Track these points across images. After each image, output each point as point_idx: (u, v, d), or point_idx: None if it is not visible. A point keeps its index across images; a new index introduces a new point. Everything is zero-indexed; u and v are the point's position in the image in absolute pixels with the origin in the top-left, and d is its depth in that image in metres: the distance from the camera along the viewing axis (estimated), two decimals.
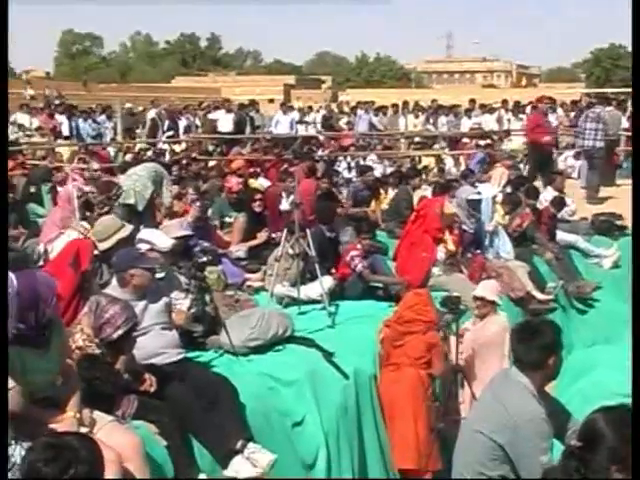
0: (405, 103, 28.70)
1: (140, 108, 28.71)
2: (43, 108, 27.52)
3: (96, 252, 7.42)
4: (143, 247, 7.01)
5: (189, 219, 9.69)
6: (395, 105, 28.13)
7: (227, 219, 11.17)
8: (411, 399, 7.77)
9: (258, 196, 11.05)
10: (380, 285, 9.51)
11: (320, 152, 20.35)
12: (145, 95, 38.33)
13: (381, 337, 8.22)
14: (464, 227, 10.84)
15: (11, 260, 5.64)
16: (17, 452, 4.62)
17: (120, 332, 5.62)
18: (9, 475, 4.56)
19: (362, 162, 19.02)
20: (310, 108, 31.26)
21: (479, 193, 11.48)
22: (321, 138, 23.78)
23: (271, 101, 33.89)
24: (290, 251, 8.95)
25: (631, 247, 8.02)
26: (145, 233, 7.38)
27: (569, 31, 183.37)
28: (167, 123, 24.35)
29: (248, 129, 24.93)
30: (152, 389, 5.85)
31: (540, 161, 16.98)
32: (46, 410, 4.96)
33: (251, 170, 14.63)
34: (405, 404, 7.76)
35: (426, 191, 13.70)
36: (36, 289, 4.88)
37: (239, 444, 5.91)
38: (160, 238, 7.21)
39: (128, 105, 26.20)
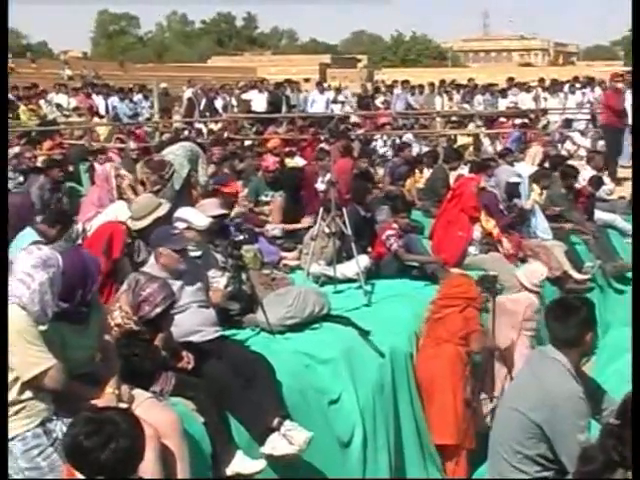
0: (442, 82, 28.55)
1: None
2: (80, 88, 27.69)
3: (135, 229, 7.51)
4: (180, 225, 7.03)
5: None
6: (432, 84, 27.99)
7: (263, 198, 11.21)
8: (450, 375, 7.78)
9: (294, 174, 11.05)
10: (416, 264, 9.49)
11: (356, 131, 20.29)
12: (181, 75, 38.49)
13: (427, 315, 8.25)
14: (501, 207, 10.80)
15: None
16: (58, 427, 4.70)
17: (158, 310, 5.68)
18: (51, 450, 4.64)
19: (398, 141, 18.97)
20: (339, 90, 31.16)
21: (519, 175, 11.44)
22: (356, 118, 23.70)
23: (307, 80, 33.83)
24: (326, 230, 8.96)
25: (632, 247, 7.98)
26: (182, 212, 7.40)
27: (607, 8, 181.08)
28: (203, 102, 24.43)
29: (284, 108, 24.93)
30: (190, 366, 5.90)
31: (612, 140, 16.76)
32: (85, 386, 5.02)
33: (287, 149, 14.61)
34: (444, 380, 7.77)
35: (462, 170, 13.64)
36: (85, 266, 4.99)
37: (276, 421, 5.94)
38: (197, 216, 7.23)
39: (163, 85, 26.25)
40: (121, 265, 7.14)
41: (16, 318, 4.62)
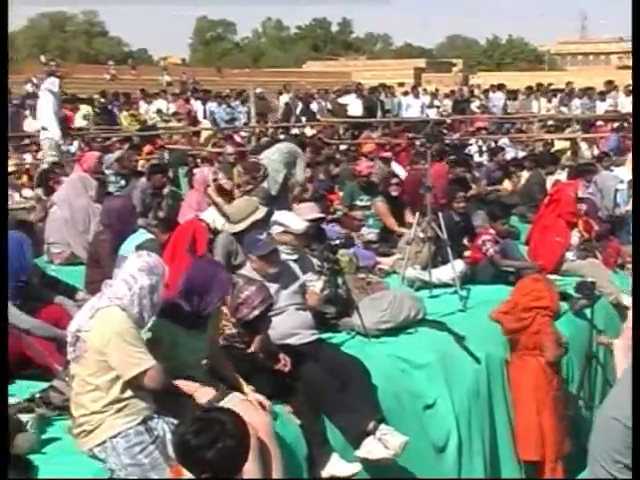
0: (539, 85, 28.18)
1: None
2: (179, 94, 28.19)
3: (232, 232, 7.63)
4: (277, 229, 7.11)
5: None
6: (529, 88, 27.66)
7: (358, 202, 11.26)
8: (533, 389, 7.66)
9: (395, 180, 11.05)
10: (512, 270, 9.40)
11: (451, 136, 20.19)
12: (277, 80, 38.79)
13: (502, 325, 8.12)
14: (599, 213, 10.64)
15: None
16: (160, 426, 4.82)
17: (256, 312, 5.75)
18: (152, 448, 4.75)
19: (494, 145, 18.81)
20: (445, 95, 31.04)
21: (622, 182, 11.25)
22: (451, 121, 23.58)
23: (401, 85, 33.74)
24: (421, 235, 8.95)
25: (632, 247, 7.76)
26: (279, 215, 7.47)
27: None
28: (300, 107, 24.61)
29: (379, 113, 24.94)
30: (286, 369, 5.96)
31: None
32: (188, 386, 5.14)
33: (383, 154, 14.60)
34: (527, 395, 7.67)
35: (560, 175, 13.45)
36: (213, 280, 5.23)
37: (371, 425, 5.95)
38: (294, 220, 7.28)
39: (259, 90, 26.55)
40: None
41: (117, 319, 4.76)
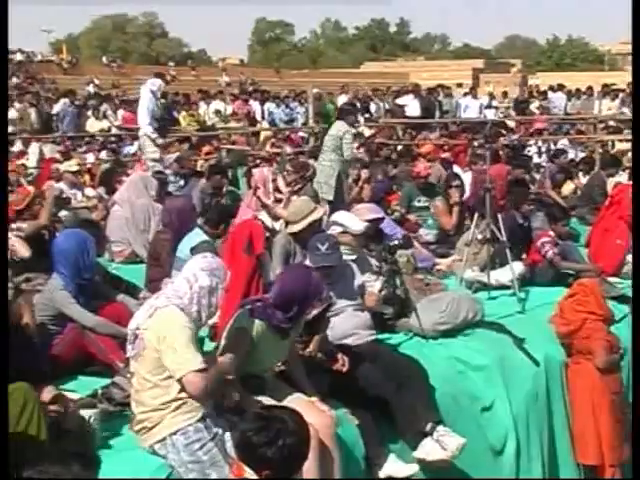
0: (604, 86, 27.84)
1: None
2: (238, 94, 28.37)
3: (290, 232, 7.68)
4: (336, 229, 7.14)
5: None
6: (590, 88, 27.35)
7: (416, 203, 11.25)
8: (589, 393, 7.56)
9: (456, 182, 11.01)
10: (572, 272, 9.31)
11: (510, 137, 20.04)
12: (335, 80, 38.83)
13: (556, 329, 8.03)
14: None
15: None
16: (219, 423, 4.88)
17: (315, 312, 5.77)
18: (211, 445, 4.80)
19: (553, 147, 18.65)
20: (505, 94, 30.83)
21: None
22: (511, 123, 23.41)
23: (459, 85, 33.56)
24: (479, 236, 8.91)
25: (632, 246, 7.63)
26: (338, 216, 7.51)
27: None
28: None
29: (437, 114, 24.85)
30: (344, 369, 5.97)
31: None
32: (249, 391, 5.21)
33: (442, 156, 14.57)
34: (583, 398, 7.57)
35: (621, 177, 13.28)
36: (310, 289, 5.30)
37: (429, 426, 5.94)
38: (352, 221, 7.30)
39: (316, 90, 26.60)
40: (264, 260, 7.30)
41: (174, 318, 4.82)
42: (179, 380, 4.76)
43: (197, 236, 7.84)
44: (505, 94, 32.39)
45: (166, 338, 4.75)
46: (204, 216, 8.44)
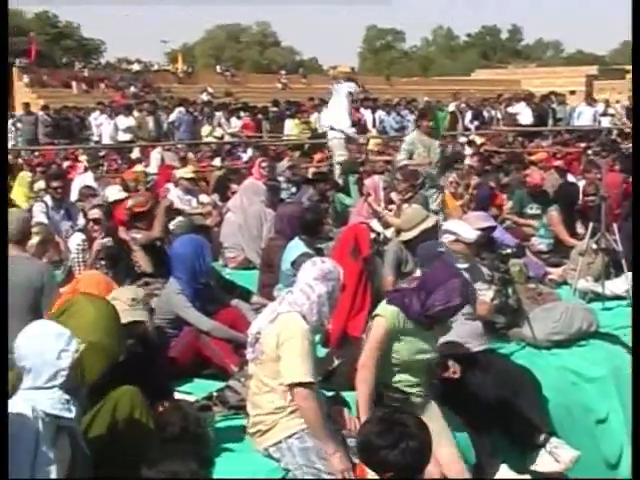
0: None
1: None
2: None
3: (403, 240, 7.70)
4: (448, 238, 7.12)
5: None
6: None
7: (528, 210, 11.14)
8: None
9: (573, 190, 10.83)
10: None
11: (626, 144, 19.60)
12: (446, 88, 38.65)
13: None
14: None
15: None
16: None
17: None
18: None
19: None
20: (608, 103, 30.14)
21: None
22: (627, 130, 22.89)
23: (572, 92, 33.02)
24: (594, 246, 8.76)
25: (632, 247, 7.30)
26: (450, 224, 7.48)
27: None
28: (469, 116, 24.47)
29: (550, 121, 24.50)
30: (456, 376, 5.96)
31: None
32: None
33: (556, 164, 14.33)
34: None
35: None
36: (443, 281, 5.32)
37: (542, 437, 5.88)
38: (465, 229, 7.26)
39: (426, 98, 26.56)
40: (371, 263, 7.32)
41: (295, 325, 4.89)
42: (289, 387, 4.83)
43: (296, 248, 7.90)
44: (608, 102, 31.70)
45: (284, 344, 4.82)
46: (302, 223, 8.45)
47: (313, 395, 4.85)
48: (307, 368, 4.82)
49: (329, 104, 15.16)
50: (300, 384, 4.79)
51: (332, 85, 15.34)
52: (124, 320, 5.07)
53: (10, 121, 24.05)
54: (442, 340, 6.03)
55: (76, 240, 8.29)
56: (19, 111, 30.14)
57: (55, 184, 10.54)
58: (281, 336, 4.86)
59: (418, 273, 6.65)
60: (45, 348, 4.03)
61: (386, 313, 5.25)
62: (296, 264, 7.47)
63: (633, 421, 3.71)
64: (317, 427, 4.82)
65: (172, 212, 9.62)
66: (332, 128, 14.21)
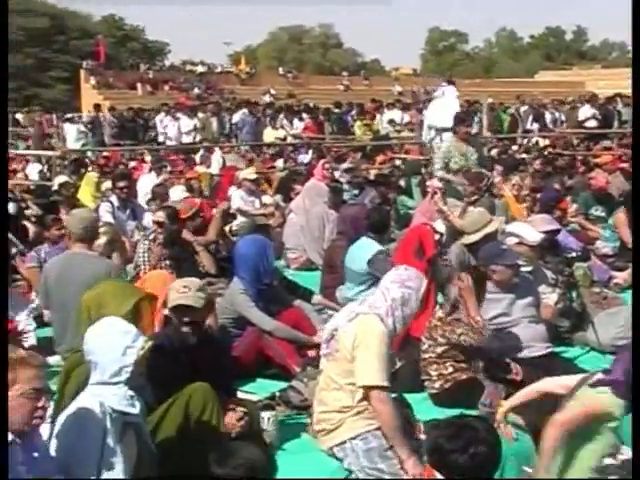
0: None
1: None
2: (411, 104, 28.44)
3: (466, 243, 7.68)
4: (512, 241, 7.08)
5: None
6: None
7: (593, 212, 11.03)
8: None
9: None
10: None
11: None
12: (509, 90, 38.36)
13: None
14: None
15: None
16: None
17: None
18: (390, 453, 4.82)
19: None
20: None
21: None
22: None
23: None
24: None
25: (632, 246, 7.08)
26: (514, 227, 7.45)
27: None
28: (531, 118, 24.25)
29: (615, 123, 24.16)
30: (518, 378, 5.93)
31: None
32: None
33: (621, 166, 14.15)
34: None
35: None
36: None
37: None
38: (529, 232, 7.22)
39: (490, 100, 26.35)
40: (436, 264, 7.31)
41: (373, 327, 4.90)
42: (362, 389, 4.83)
43: (370, 246, 7.90)
44: None
45: (361, 345, 4.82)
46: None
47: (390, 398, 4.86)
48: (383, 371, 4.81)
49: (433, 105, 15.39)
50: (376, 387, 4.79)
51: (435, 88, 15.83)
52: (172, 304, 5.24)
53: (82, 122, 24.55)
54: (507, 343, 6.02)
55: (143, 241, 8.43)
56: (85, 112, 30.70)
57: (121, 184, 10.68)
58: (358, 337, 4.86)
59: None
60: (111, 344, 4.13)
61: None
62: (372, 262, 7.51)
63: (633, 421, 3.68)
64: (393, 430, 4.81)
65: (229, 216, 9.69)
66: (440, 129, 14.42)
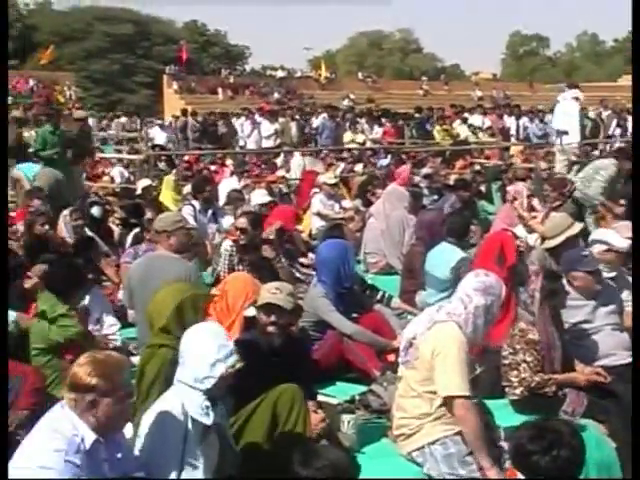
0: None
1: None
2: (491, 109, 28.22)
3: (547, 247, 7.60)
4: (599, 248, 6.97)
5: None
6: None
7: None
8: None
9: None
10: None
11: None
12: (591, 95, 37.75)
13: None
14: None
15: None
16: None
17: None
18: (469, 459, 4.79)
19: None
20: None
21: None
22: None
23: None
24: None
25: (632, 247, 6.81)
26: (599, 233, 7.36)
27: None
28: (614, 123, 23.86)
29: None
30: (607, 380, 5.84)
31: None
32: None
33: None
34: None
35: None
36: None
37: None
38: (615, 238, 7.11)
39: None
40: (518, 271, 7.24)
41: (452, 335, 4.88)
42: (443, 398, 4.82)
43: (453, 253, 7.86)
44: None
45: (440, 354, 4.80)
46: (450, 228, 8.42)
47: (473, 405, 4.84)
48: (464, 380, 4.80)
49: (556, 109, 15.98)
50: (460, 399, 4.77)
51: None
52: (262, 302, 5.43)
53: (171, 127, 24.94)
54: (587, 351, 5.94)
55: (225, 245, 8.49)
56: (169, 117, 31.15)
57: (204, 188, 10.81)
58: (437, 346, 4.84)
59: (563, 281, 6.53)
60: (204, 352, 4.15)
61: None
62: (456, 269, 7.46)
63: (633, 419, 3.61)
64: (476, 438, 4.80)
65: (284, 233, 9.63)
66: (561, 133, 14.47)
